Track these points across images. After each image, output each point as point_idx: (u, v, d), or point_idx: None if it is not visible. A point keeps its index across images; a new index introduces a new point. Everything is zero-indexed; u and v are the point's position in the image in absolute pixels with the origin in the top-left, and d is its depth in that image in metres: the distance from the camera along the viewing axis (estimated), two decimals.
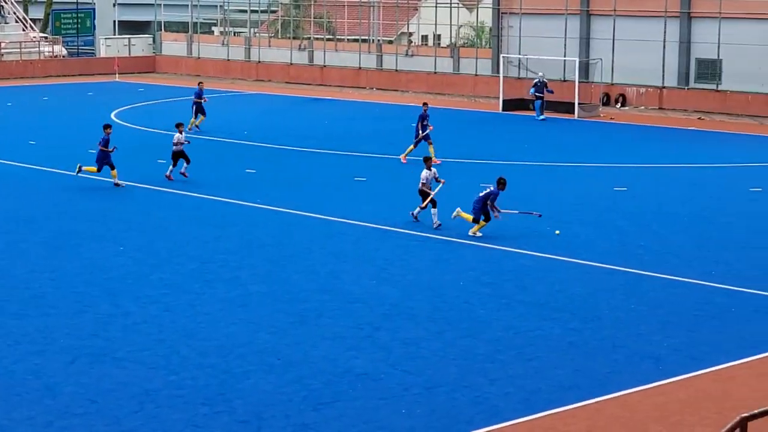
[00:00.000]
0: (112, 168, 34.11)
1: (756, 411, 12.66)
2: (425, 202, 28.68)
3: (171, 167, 35.41)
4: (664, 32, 58.87)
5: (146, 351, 18.66)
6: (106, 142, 34.18)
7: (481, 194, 27.66)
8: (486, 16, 76.52)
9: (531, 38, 63.29)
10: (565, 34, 61.94)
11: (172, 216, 30.40)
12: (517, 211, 28.61)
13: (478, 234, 27.58)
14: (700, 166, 39.29)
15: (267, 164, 39.46)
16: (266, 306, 21.48)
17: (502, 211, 27.58)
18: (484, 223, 27.64)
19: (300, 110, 58.21)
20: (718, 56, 57.25)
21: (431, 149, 38.38)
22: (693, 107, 56.98)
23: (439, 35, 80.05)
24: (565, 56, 60.61)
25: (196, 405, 16.18)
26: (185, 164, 35.47)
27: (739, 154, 42.05)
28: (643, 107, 58.89)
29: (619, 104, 59.47)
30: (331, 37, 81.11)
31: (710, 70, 58.17)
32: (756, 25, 55.97)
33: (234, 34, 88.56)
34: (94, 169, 34.48)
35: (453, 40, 75.66)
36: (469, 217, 27.79)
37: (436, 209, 28.40)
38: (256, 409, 16.06)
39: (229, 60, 78.09)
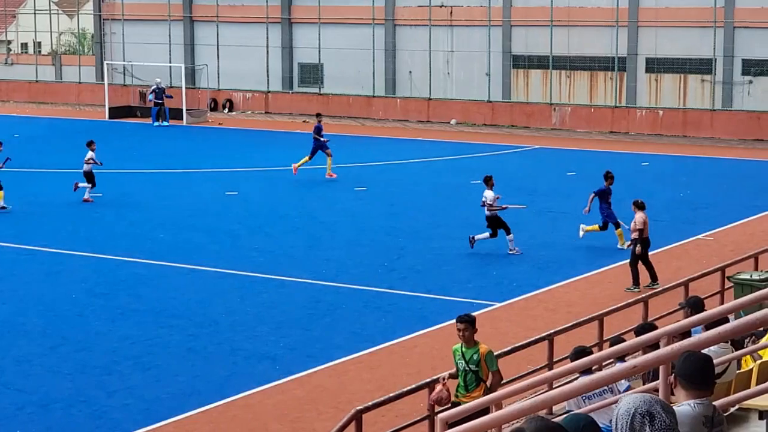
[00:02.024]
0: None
1: (369, 403, 13.18)
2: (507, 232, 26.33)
3: (89, 187, 33.08)
4: (267, 38, 59.94)
5: None
6: None
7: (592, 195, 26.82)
8: (88, 22, 75.06)
9: (135, 44, 62.71)
10: (170, 40, 61.80)
11: None
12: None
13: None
14: (307, 168, 40.28)
15: None
16: None
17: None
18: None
19: None
20: (320, 60, 58.94)
21: (329, 162, 37.59)
22: (298, 110, 58.34)
23: (40, 42, 77.70)
24: (170, 62, 60.44)
25: None
26: (89, 185, 33.14)
27: (343, 155, 43.42)
28: (250, 111, 59.70)
29: (227, 109, 60.00)
30: None
31: (312, 74, 59.79)
32: (353, 29, 58.05)
33: None
34: None
35: (54, 48, 73.72)
36: (595, 227, 26.92)
37: (511, 235, 26.32)
38: None
39: None
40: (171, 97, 54.67)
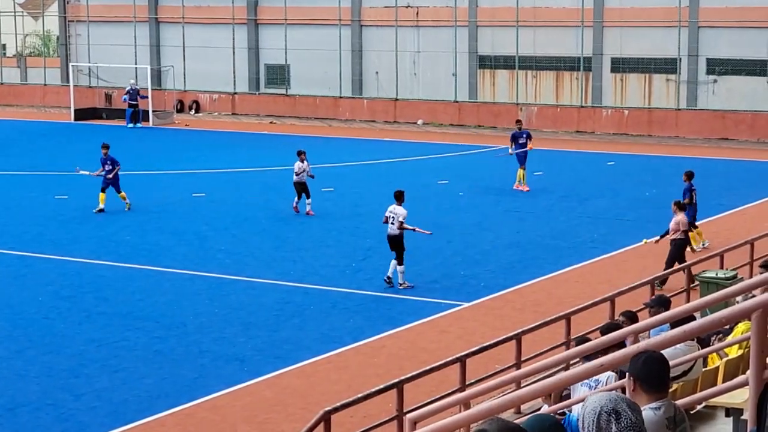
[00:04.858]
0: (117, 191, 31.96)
1: (338, 404, 13.18)
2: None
3: (296, 199, 31.73)
4: (233, 39, 59.81)
5: None
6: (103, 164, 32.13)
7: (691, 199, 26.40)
8: (53, 24, 74.66)
9: (101, 46, 62.43)
10: (135, 42, 61.56)
11: None
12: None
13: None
14: (274, 169, 40.20)
15: None
16: None
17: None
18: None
19: None
20: (286, 62, 58.86)
21: (521, 173, 35.42)
22: (264, 112, 58.25)
23: (5, 45, 77.23)
24: (136, 64, 60.21)
25: None
26: (307, 199, 31.65)
27: (310, 156, 43.33)
28: (216, 113, 59.55)
29: (194, 111, 59.82)
30: None
31: (279, 75, 59.70)
32: (319, 30, 58.01)
33: None
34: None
35: (19, 50, 73.28)
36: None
37: (402, 266, 23.66)
38: None
39: None
40: (146, 97, 54.55)
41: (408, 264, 25.51)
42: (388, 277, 23.60)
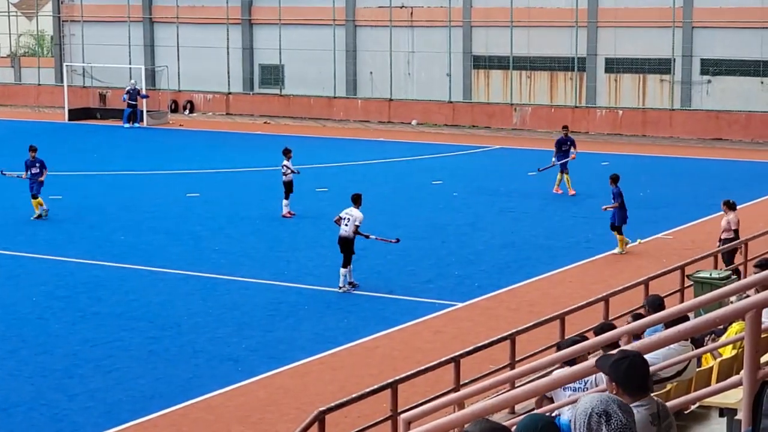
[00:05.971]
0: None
1: (332, 404, 13.18)
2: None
3: (285, 200, 31.03)
4: (227, 39, 59.78)
5: None
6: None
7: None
8: (47, 24, 74.59)
9: (95, 46, 62.38)
10: (129, 42, 61.51)
11: None
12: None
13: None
14: (268, 169, 40.20)
15: None
16: None
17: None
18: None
19: None
20: (281, 62, 58.85)
21: (566, 178, 34.63)
22: (259, 112, 58.23)
23: None
24: (130, 64, 60.17)
25: None
26: (284, 200, 31.09)
27: (304, 156, 43.37)
28: (211, 113, 59.52)
29: (188, 111, 59.77)
30: None
31: (273, 75, 59.69)
32: (314, 30, 58.00)
33: None
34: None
35: (13, 50, 73.21)
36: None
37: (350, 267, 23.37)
38: None
39: None
40: (147, 96, 54.57)
41: (404, 264, 25.55)
42: (350, 282, 23.41)
